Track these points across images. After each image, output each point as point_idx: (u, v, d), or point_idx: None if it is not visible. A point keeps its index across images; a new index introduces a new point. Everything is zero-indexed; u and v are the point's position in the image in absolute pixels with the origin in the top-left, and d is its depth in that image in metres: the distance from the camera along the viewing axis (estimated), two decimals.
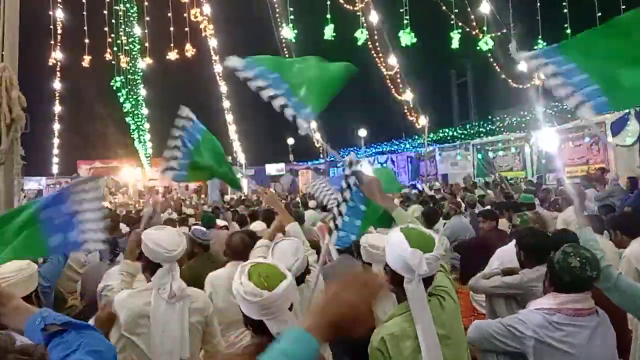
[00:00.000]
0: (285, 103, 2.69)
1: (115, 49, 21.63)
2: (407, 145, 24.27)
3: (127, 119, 26.86)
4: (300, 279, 2.65)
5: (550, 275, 2.35)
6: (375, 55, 17.70)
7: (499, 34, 14.84)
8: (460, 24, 14.94)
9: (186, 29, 18.62)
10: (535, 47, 12.46)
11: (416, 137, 22.05)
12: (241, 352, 1.91)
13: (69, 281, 5.04)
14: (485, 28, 14.77)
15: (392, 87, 18.97)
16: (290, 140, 28.00)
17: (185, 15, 18.61)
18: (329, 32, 14.23)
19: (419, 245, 1.86)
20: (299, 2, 15.39)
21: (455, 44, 14.90)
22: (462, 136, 21.25)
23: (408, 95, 18.82)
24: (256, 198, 17.03)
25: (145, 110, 27.39)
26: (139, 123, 27.31)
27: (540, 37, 15.18)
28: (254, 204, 12.40)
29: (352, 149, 24.26)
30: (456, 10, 14.79)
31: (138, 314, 2.46)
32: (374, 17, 15.95)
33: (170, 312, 2.49)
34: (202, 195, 22.05)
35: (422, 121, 18.55)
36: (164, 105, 21.47)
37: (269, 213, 7.16)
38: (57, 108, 24.40)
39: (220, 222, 7.36)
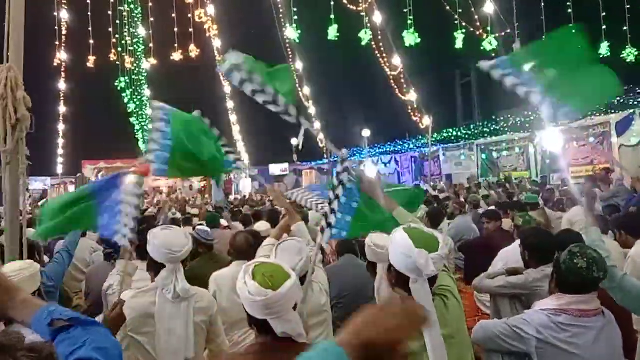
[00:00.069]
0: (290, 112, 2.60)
1: (119, 49, 21.69)
2: (411, 146, 24.16)
3: (132, 120, 26.93)
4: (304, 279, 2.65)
5: (556, 275, 2.34)
6: (379, 55, 17.64)
7: (503, 34, 14.78)
8: (464, 24, 14.88)
9: (190, 30, 18.63)
10: None
11: (420, 137, 21.94)
12: (245, 351, 1.91)
13: (74, 281, 5.08)
14: (489, 28, 14.71)
15: (396, 87, 18.90)
16: (294, 141, 27.99)
17: (189, 15, 18.63)
18: (332, 32, 14.22)
19: (423, 246, 1.86)
20: (303, 2, 15.38)
21: (459, 44, 14.85)
22: (466, 136, 21.16)
23: (412, 96, 18.74)
24: (259, 198, 17.06)
25: (149, 111, 27.33)
26: (143, 123, 27.36)
27: (544, 37, 15.06)
28: (258, 204, 12.42)
29: (355, 149, 24.20)
30: (460, 11, 14.72)
31: (143, 313, 2.47)
32: (377, 18, 15.92)
33: (175, 311, 2.50)
34: (206, 196, 22.06)
35: (426, 121, 18.47)
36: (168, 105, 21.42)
37: (273, 213, 7.18)
38: (62, 108, 24.43)
39: (224, 222, 7.39)
